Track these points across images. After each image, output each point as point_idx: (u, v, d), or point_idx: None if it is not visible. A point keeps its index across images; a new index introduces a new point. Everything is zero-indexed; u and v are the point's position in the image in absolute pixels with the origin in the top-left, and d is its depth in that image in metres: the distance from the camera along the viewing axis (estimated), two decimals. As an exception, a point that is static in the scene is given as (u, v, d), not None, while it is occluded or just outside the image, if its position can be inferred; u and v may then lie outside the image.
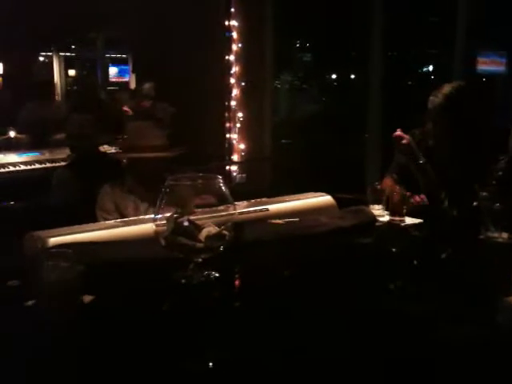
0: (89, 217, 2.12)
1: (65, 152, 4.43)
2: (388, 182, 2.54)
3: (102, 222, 2.07)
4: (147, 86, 5.26)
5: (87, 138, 3.38)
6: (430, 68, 7.62)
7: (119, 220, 2.12)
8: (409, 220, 2.23)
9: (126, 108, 4.64)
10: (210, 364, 1.17)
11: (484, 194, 1.99)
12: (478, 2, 4.27)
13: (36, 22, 6.67)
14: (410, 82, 6.92)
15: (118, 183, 2.56)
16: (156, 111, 5.10)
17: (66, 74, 10.14)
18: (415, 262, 1.88)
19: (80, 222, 1.89)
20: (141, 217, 2.19)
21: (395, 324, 1.34)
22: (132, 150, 2.52)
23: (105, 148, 4.08)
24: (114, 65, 10.35)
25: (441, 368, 1.14)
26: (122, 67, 10.23)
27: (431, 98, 2.65)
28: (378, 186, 2.30)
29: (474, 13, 4.25)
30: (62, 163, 4.13)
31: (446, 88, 2.63)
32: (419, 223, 2.22)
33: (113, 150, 4.28)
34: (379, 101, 4.87)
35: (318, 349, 1.22)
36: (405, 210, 2.23)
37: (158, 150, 2.50)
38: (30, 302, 1.37)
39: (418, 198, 2.45)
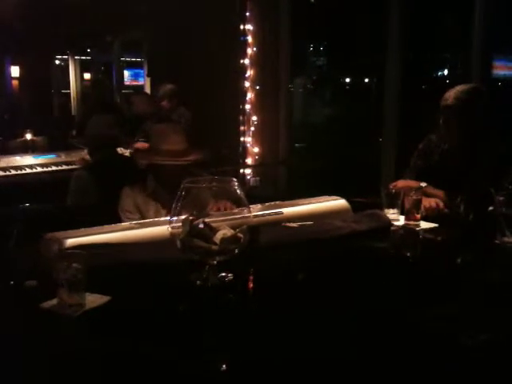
0: (107, 218, 2.14)
1: (80, 154, 4.47)
2: (400, 184, 2.53)
3: (119, 224, 2.09)
4: (167, 87, 5.19)
5: (109, 139, 3.38)
6: (446, 72, 7.58)
7: (135, 222, 2.13)
8: (424, 224, 2.22)
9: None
10: (224, 366, 1.18)
11: (500, 198, 1.97)
12: (494, 5, 4.24)
13: (52, 26, 6.74)
14: (425, 86, 6.88)
15: (139, 186, 2.57)
16: (174, 115, 5.07)
17: (82, 77, 10.22)
18: (430, 267, 1.86)
19: (98, 224, 1.90)
20: (156, 219, 2.20)
21: (411, 328, 1.34)
22: (154, 154, 2.53)
23: (122, 150, 4.10)
24: (128, 68, 10.42)
25: (460, 373, 1.14)
26: (137, 71, 10.30)
27: (444, 97, 2.65)
28: (393, 190, 2.30)
29: (490, 17, 4.23)
30: (79, 165, 4.17)
31: (459, 89, 2.63)
32: (434, 227, 2.22)
33: (127, 153, 4.30)
34: (394, 104, 4.85)
35: (333, 350, 1.22)
36: (419, 215, 2.22)
37: (179, 156, 2.51)
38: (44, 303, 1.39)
39: (427, 204, 2.41)
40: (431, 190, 2.48)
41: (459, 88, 2.65)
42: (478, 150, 2.62)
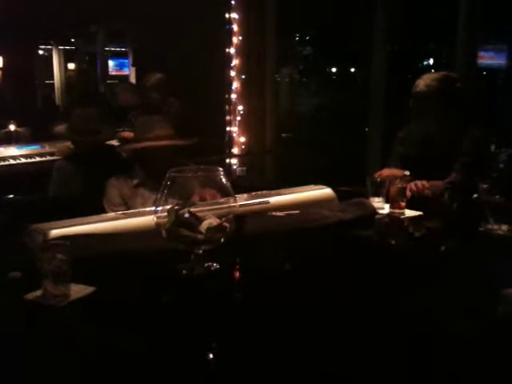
0: (91, 209, 2.12)
1: (65, 145, 4.43)
2: (386, 172, 2.54)
3: (103, 215, 2.07)
4: (156, 77, 5.11)
5: (92, 133, 3.33)
6: (431, 62, 7.61)
7: (120, 212, 2.12)
8: (409, 212, 2.24)
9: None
10: (210, 355, 1.18)
11: (484, 185, 1.99)
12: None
13: (36, 15, 6.65)
14: (411, 76, 6.92)
15: (125, 177, 2.55)
16: (164, 105, 5.01)
17: (66, 67, 10.11)
18: (414, 255, 1.88)
19: (82, 215, 1.89)
20: (142, 209, 2.19)
21: (395, 317, 1.34)
22: (138, 143, 2.52)
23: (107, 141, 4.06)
24: (113, 58, 10.31)
25: (442, 361, 1.15)
26: (122, 60, 10.20)
27: (415, 84, 2.64)
28: (378, 179, 2.31)
29: (475, 6, 4.24)
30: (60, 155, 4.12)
31: (430, 76, 2.63)
32: (419, 215, 2.23)
33: (113, 143, 4.27)
34: (380, 94, 4.86)
35: (317, 341, 1.22)
36: (404, 203, 2.24)
37: (163, 140, 2.50)
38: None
39: (413, 186, 2.42)
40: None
41: (430, 75, 2.64)
42: (459, 139, 2.63)
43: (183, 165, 2.02)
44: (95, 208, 2.38)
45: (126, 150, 2.76)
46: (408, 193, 2.29)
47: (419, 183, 2.42)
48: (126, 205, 2.49)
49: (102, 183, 2.55)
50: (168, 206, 1.50)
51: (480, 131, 2.66)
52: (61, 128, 4.28)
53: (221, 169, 1.57)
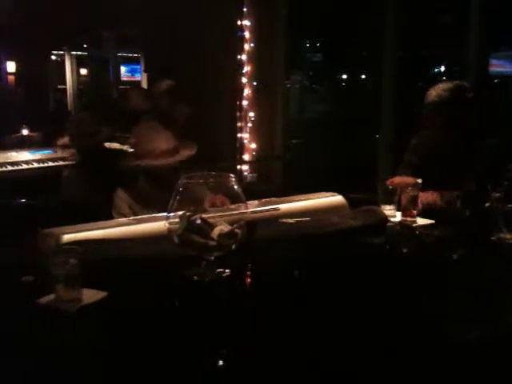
0: (100, 215, 2.12)
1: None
2: (397, 180, 2.53)
3: (115, 220, 2.09)
4: (166, 83, 5.13)
5: (87, 135, 3.34)
6: (442, 69, 7.59)
7: (132, 218, 2.13)
8: (420, 220, 2.23)
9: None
10: (220, 362, 1.18)
11: (496, 194, 1.98)
12: (491, 2, 4.24)
13: (49, 21, 6.71)
14: (422, 83, 6.90)
15: (131, 188, 2.51)
16: (174, 112, 5.02)
17: (78, 73, 10.20)
18: (426, 263, 1.87)
19: (93, 220, 1.90)
20: (153, 215, 2.20)
21: (406, 323, 1.34)
22: (140, 157, 2.45)
23: (114, 145, 4.08)
24: (125, 64, 10.38)
25: (452, 366, 1.14)
26: (134, 66, 10.27)
27: (427, 94, 2.64)
28: (390, 187, 2.30)
29: (487, 14, 4.23)
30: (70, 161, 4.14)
31: (442, 86, 2.64)
32: (431, 224, 2.22)
33: (124, 148, 4.28)
34: (391, 101, 4.86)
35: (328, 348, 1.22)
36: (416, 211, 2.23)
37: (167, 155, 2.44)
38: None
39: (425, 197, 2.41)
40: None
41: (442, 85, 2.65)
42: (473, 147, 2.62)
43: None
44: (105, 212, 2.39)
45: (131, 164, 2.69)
46: (419, 205, 2.28)
47: (430, 198, 2.41)
48: (135, 215, 2.46)
49: (110, 186, 2.51)
50: (180, 213, 1.51)
51: (493, 140, 2.65)
52: (63, 140, 4.32)
53: (232, 175, 1.58)
